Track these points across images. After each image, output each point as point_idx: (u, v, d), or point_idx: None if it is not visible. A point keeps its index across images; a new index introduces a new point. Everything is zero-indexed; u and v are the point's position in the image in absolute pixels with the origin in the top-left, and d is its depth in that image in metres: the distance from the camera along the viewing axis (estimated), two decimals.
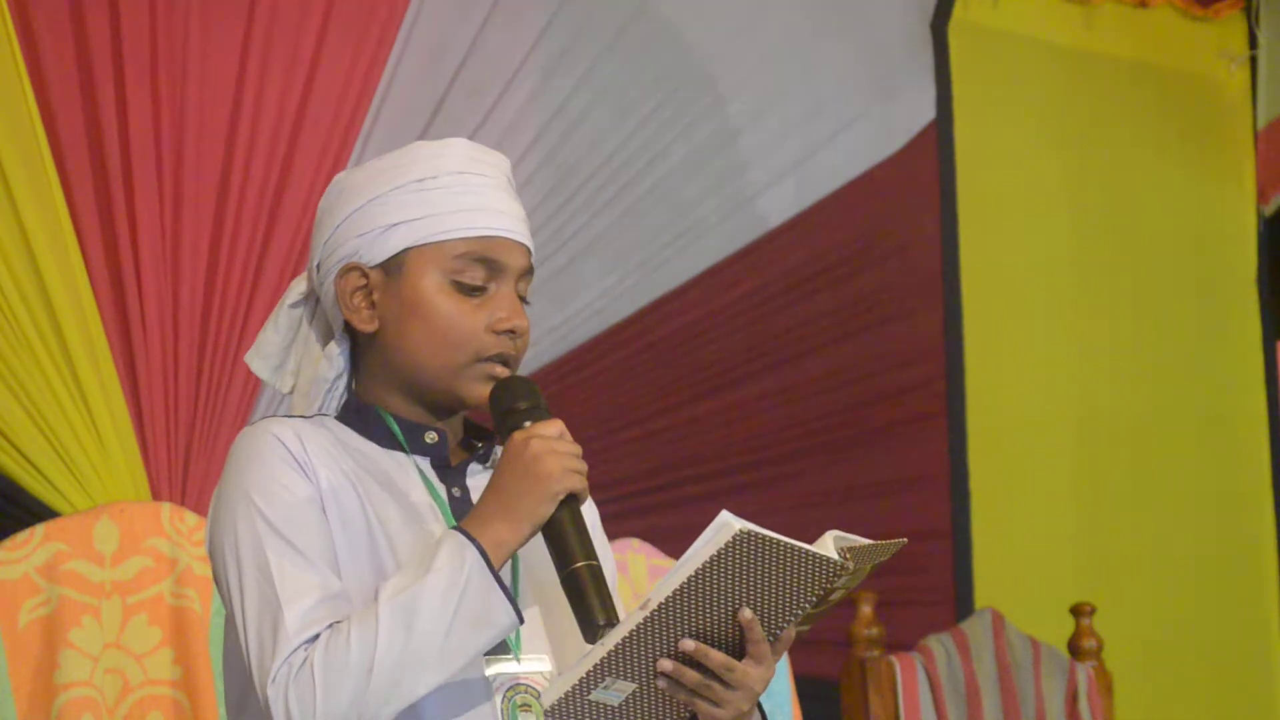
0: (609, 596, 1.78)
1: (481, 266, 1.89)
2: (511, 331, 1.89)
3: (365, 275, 1.90)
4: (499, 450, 1.85)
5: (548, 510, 1.78)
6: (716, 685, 1.75)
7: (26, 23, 3.03)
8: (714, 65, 4.04)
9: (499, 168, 1.96)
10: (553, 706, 1.73)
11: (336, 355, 1.95)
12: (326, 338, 1.97)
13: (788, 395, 4.09)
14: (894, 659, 3.29)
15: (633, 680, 1.73)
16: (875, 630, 3.30)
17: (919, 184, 4.38)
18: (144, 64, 3.12)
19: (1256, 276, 5.04)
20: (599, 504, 2.00)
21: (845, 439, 4.16)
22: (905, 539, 1.89)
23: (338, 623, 1.74)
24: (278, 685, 1.72)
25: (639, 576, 3.17)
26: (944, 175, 4.41)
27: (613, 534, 2.26)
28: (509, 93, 3.64)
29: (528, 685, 1.84)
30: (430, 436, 1.91)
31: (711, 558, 1.67)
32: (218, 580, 1.84)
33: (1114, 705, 3.53)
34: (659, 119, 3.92)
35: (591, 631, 1.74)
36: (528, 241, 1.93)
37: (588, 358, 3.78)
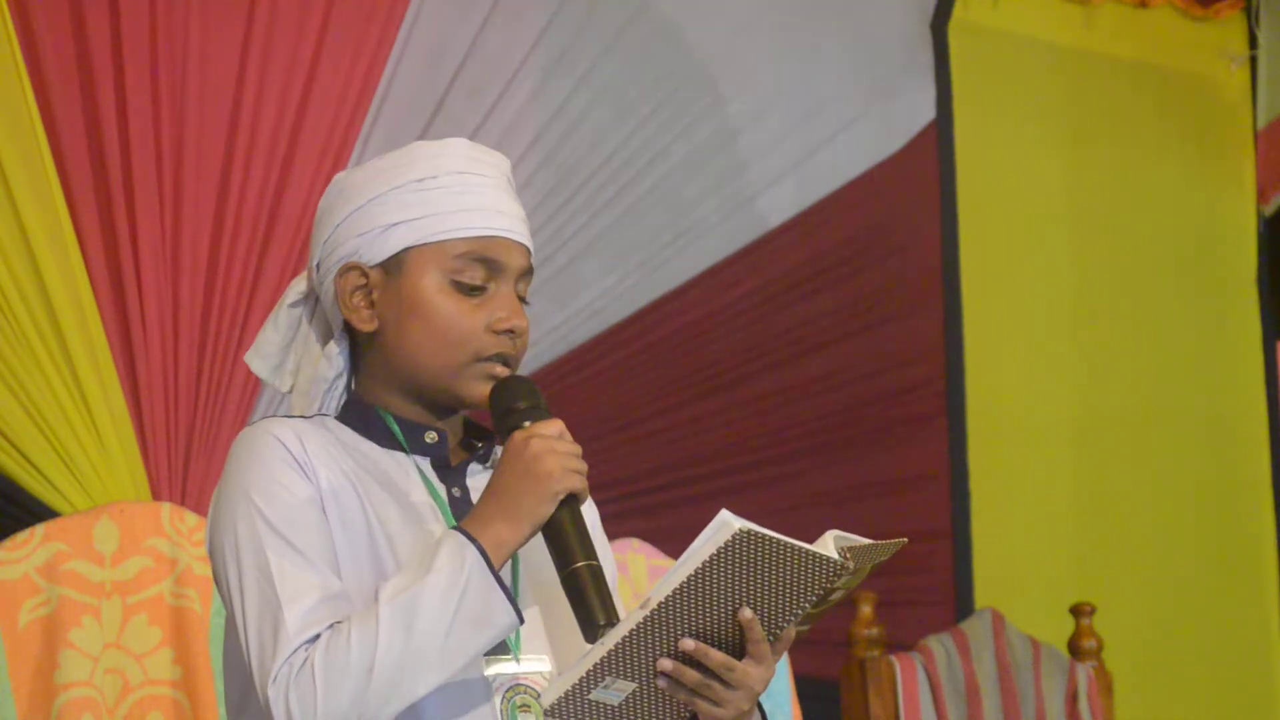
0: (609, 596, 1.78)
1: (481, 266, 1.89)
2: (511, 331, 1.89)
3: (365, 275, 1.90)
4: (499, 450, 1.85)
5: (548, 510, 1.78)
6: (717, 685, 1.75)
7: (26, 23, 3.03)
8: (714, 65, 4.04)
9: (499, 168, 1.96)
10: (553, 706, 1.73)
11: (336, 355, 1.95)
12: (326, 337, 1.97)
13: (788, 395, 4.09)
14: (894, 659, 3.29)
15: (633, 680, 1.73)
16: (875, 630, 3.30)
17: (919, 184, 4.38)
18: (144, 64, 3.13)
19: (1256, 276, 5.04)
20: (599, 504, 2.00)
21: (845, 439, 4.16)
22: (905, 539, 1.89)
23: (338, 623, 1.74)
24: (278, 686, 1.72)
25: (639, 576, 3.17)
26: (944, 175, 4.41)
27: (613, 534, 2.26)
28: (509, 93, 3.64)
29: (527, 686, 1.84)
30: (430, 436, 1.91)
31: (711, 557, 1.67)
32: (218, 581, 1.84)
33: (1114, 705, 3.53)
34: (659, 119, 3.92)
35: (592, 631, 1.74)
36: (527, 242, 1.94)
37: (588, 358, 3.78)
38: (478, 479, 1.92)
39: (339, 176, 1.96)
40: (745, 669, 1.75)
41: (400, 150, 1.94)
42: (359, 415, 1.92)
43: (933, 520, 4.27)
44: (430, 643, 1.72)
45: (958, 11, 4.44)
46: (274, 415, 2.02)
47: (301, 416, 1.93)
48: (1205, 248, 4.99)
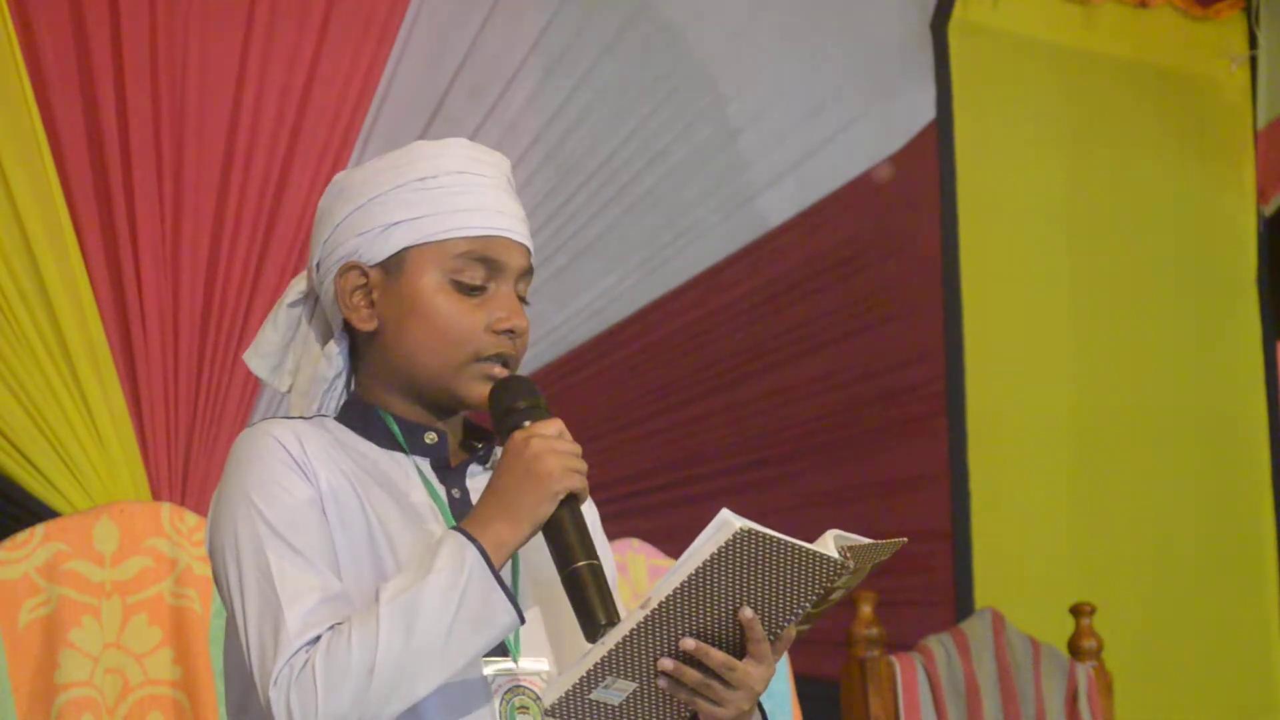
0: (610, 596, 1.78)
1: (481, 266, 1.89)
2: (511, 331, 1.89)
3: (365, 274, 1.90)
4: (499, 451, 1.85)
5: (548, 510, 1.78)
6: (717, 684, 1.75)
7: (26, 23, 3.03)
8: (714, 65, 4.04)
9: (499, 168, 1.96)
10: (553, 705, 1.73)
11: (335, 354, 1.95)
12: (326, 337, 1.96)
13: (788, 395, 4.09)
14: (894, 659, 3.29)
15: (633, 679, 1.73)
16: (875, 630, 3.30)
17: (919, 184, 4.38)
18: (144, 64, 3.12)
19: (1256, 276, 5.04)
20: (599, 504, 2.00)
21: (845, 439, 4.16)
22: (905, 538, 1.90)
23: (339, 624, 1.74)
24: (279, 687, 1.72)
25: (639, 576, 3.17)
26: (944, 175, 4.41)
27: (613, 534, 2.26)
28: (509, 93, 3.64)
29: (526, 687, 1.83)
30: (430, 437, 1.91)
31: (712, 556, 1.67)
32: (218, 582, 1.83)
33: (1114, 705, 3.53)
34: (659, 119, 3.92)
35: (592, 631, 1.74)
36: (527, 242, 1.93)
37: (588, 358, 3.78)
38: (477, 480, 1.92)
39: (339, 176, 1.96)
40: (746, 668, 1.75)
41: (400, 150, 1.94)
42: (358, 415, 1.92)
43: (933, 520, 4.27)
44: (431, 643, 1.72)
45: (957, 11, 4.44)
46: (274, 416, 2.02)
47: (301, 417, 1.93)
48: (1205, 248, 4.99)
